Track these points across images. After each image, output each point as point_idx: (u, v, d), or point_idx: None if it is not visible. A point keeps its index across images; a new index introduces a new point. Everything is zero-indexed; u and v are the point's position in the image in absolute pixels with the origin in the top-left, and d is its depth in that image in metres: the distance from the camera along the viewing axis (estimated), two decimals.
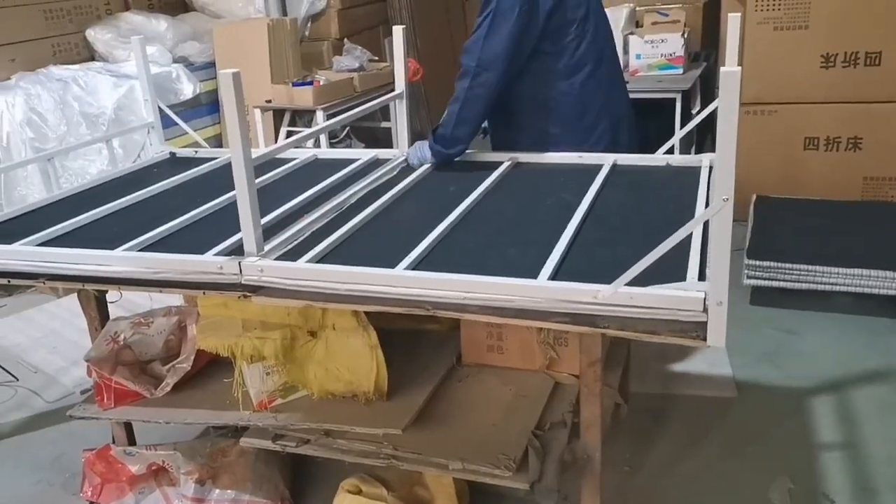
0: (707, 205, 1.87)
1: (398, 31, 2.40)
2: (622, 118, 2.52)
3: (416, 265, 1.65)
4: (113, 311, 2.27)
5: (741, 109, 2.34)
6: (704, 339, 1.38)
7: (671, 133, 2.45)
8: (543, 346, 2.05)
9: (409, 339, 2.19)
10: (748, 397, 2.67)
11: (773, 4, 3.72)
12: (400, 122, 2.51)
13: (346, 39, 4.93)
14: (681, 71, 4.05)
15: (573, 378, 2.01)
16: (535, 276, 1.54)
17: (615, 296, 1.44)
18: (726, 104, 1.28)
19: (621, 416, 2.25)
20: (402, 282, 1.58)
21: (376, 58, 4.88)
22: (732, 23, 2.03)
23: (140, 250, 1.81)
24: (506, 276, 1.53)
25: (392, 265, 1.63)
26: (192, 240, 1.88)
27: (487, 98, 2.26)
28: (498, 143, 2.56)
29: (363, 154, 2.56)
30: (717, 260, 1.35)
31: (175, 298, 2.47)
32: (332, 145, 4.44)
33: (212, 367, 2.18)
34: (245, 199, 1.65)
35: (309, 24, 5.06)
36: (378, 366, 1.94)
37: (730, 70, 1.28)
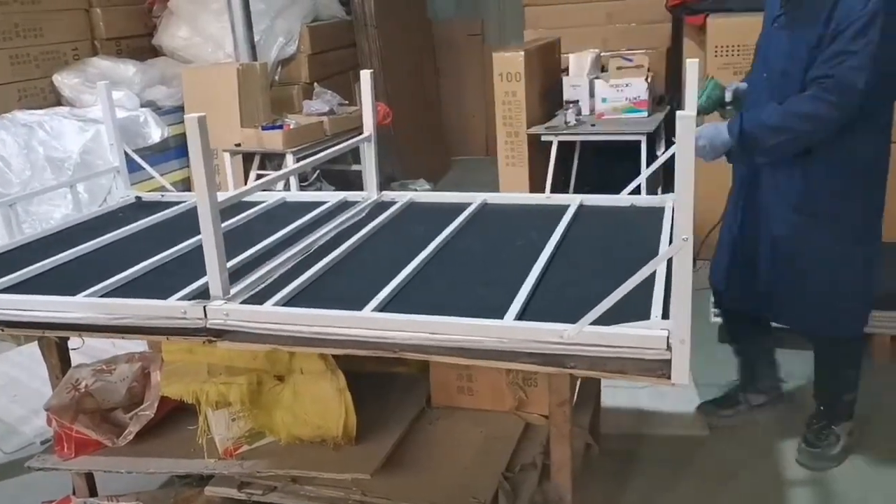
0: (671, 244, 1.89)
1: (366, 76, 2.43)
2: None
3: (384, 307, 1.65)
4: (75, 357, 2.22)
5: None
6: (669, 377, 1.39)
7: (637, 174, 2.49)
8: (513, 387, 2.05)
9: (379, 381, 2.17)
10: (720, 435, 2.68)
11: (732, 50, 3.83)
12: (368, 165, 2.52)
13: (316, 83, 4.97)
14: (645, 114, 4.14)
15: (543, 419, 2.01)
16: (501, 316, 1.54)
17: (581, 335, 1.44)
18: (683, 147, 1.32)
19: (592, 457, 2.24)
20: (369, 324, 1.58)
21: (346, 102, 4.92)
22: (691, 68, 2.09)
23: (102, 296, 1.79)
24: (473, 317, 1.53)
25: (359, 307, 1.62)
26: (156, 284, 1.86)
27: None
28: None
29: (332, 196, 2.56)
30: (679, 298, 1.37)
31: (139, 344, 2.43)
32: (302, 188, 4.45)
33: (176, 415, 2.14)
34: (210, 242, 1.64)
35: (279, 69, 5.09)
36: (346, 410, 1.92)
37: (685, 114, 1.32)
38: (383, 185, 2.63)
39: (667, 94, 4.79)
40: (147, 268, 1.97)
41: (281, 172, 2.29)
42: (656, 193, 3.84)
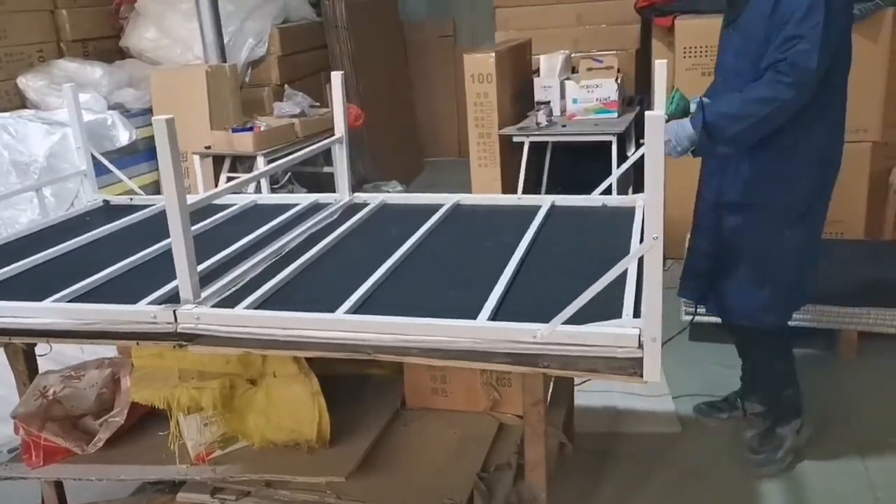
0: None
1: (337, 77, 2.42)
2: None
3: (357, 309, 1.64)
4: (42, 364, 2.18)
5: None
6: (641, 375, 1.40)
7: (608, 175, 2.51)
8: (486, 387, 2.05)
9: (353, 384, 2.16)
10: (691, 432, 2.71)
11: (700, 51, 3.88)
12: (340, 167, 2.51)
13: (286, 85, 4.94)
14: (616, 115, 4.17)
15: (517, 419, 2.01)
16: (475, 317, 1.54)
17: (554, 334, 1.45)
18: (652, 146, 1.33)
19: (566, 456, 2.26)
20: (342, 326, 1.57)
21: (318, 104, 4.90)
22: (660, 69, 2.11)
23: (70, 301, 1.76)
24: (447, 318, 1.53)
25: (332, 309, 1.62)
26: (125, 289, 1.83)
27: None
28: None
29: (303, 199, 2.55)
30: (650, 296, 1.38)
31: (108, 350, 2.39)
32: (273, 191, 4.41)
33: (147, 420, 2.11)
34: (180, 245, 1.62)
35: (249, 71, 5.05)
36: (320, 413, 1.91)
37: (654, 114, 1.33)
38: (356, 186, 2.63)
39: (636, 95, 4.84)
40: (116, 272, 1.94)
41: (252, 175, 2.27)
42: (627, 193, 3.87)
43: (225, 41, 4.60)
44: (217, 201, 2.45)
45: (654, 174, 1.34)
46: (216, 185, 4.27)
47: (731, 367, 2.96)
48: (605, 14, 5.01)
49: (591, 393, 2.85)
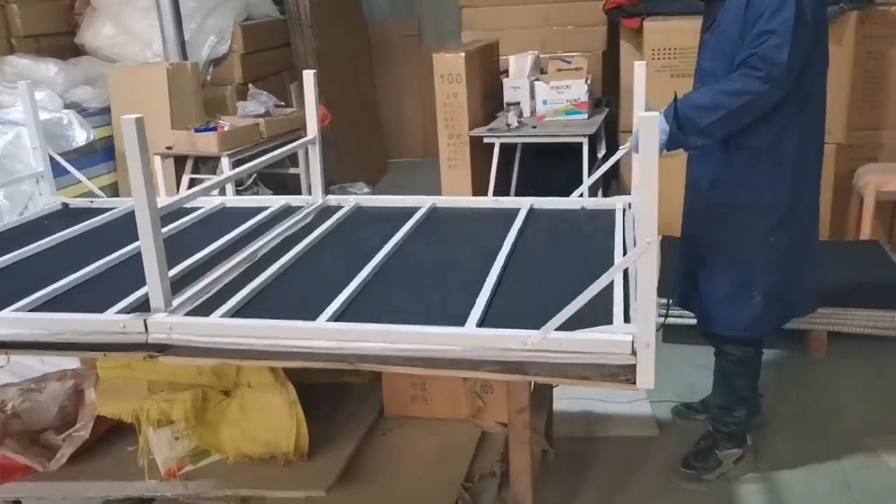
0: (625, 247, 1.89)
1: (309, 76, 2.35)
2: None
3: (338, 316, 1.58)
4: (0, 376, 2.07)
5: None
6: (634, 382, 1.37)
7: (577, 176, 2.48)
8: (471, 394, 2.01)
9: (329, 392, 2.10)
10: (669, 435, 2.71)
11: (669, 53, 3.90)
12: (313, 169, 2.44)
13: (250, 85, 4.83)
14: (586, 116, 4.17)
15: (500, 426, 1.98)
16: (462, 323, 1.50)
17: (545, 341, 1.41)
18: (646, 148, 1.30)
19: (548, 462, 2.22)
20: (324, 334, 1.51)
21: (282, 103, 4.80)
22: (639, 71, 2.09)
23: (32, 310, 1.66)
24: (432, 325, 1.48)
25: (312, 317, 1.55)
26: (90, 297, 1.73)
27: None
28: None
29: (274, 201, 2.47)
30: (644, 302, 1.35)
31: (70, 361, 2.28)
32: (238, 192, 4.31)
33: (114, 435, 2.02)
34: (151, 251, 1.54)
35: (211, 69, 4.94)
36: (297, 423, 1.85)
37: (648, 115, 1.30)
38: (327, 189, 2.56)
39: (604, 97, 4.85)
40: (79, 279, 1.84)
41: (224, 176, 2.20)
42: (597, 195, 3.86)
43: (185, 38, 4.48)
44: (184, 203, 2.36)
45: (648, 176, 1.31)
46: (178, 187, 4.15)
47: (707, 369, 2.95)
48: (572, 15, 5.02)
49: (569, 397, 2.83)
